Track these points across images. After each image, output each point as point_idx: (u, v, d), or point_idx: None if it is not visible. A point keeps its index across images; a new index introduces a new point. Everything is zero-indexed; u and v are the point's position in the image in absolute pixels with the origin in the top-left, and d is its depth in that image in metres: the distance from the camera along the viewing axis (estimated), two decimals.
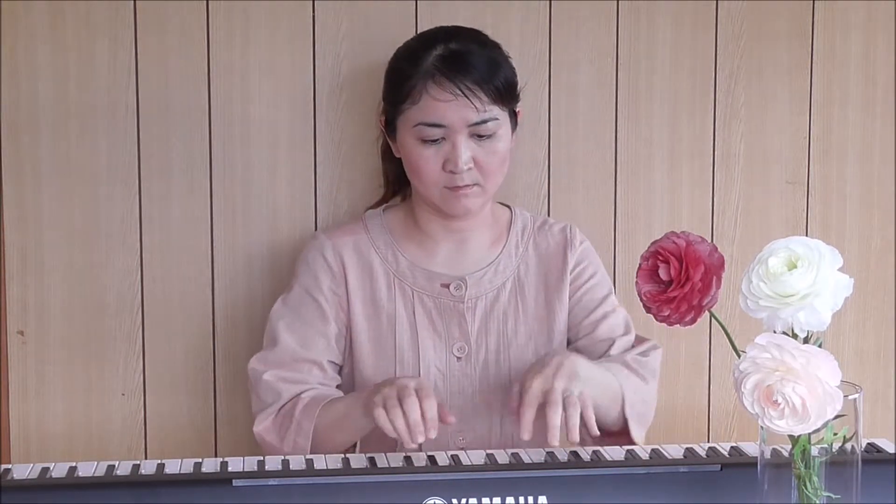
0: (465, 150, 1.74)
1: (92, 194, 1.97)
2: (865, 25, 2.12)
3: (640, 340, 1.87)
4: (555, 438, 1.52)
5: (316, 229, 2.02)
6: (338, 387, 1.84)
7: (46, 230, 1.97)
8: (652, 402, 1.81)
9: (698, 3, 2.08)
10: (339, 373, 1.85)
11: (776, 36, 2.11)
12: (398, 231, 1.87)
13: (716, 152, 2.12)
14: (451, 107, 1.72)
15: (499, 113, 1.76)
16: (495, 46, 1.80)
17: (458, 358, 1.82)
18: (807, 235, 1.25)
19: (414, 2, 2.00)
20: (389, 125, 1.82)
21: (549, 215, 2.06)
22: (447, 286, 1.83)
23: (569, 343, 1.87)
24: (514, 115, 1.81)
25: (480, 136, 1.75)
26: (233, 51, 1.98)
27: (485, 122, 1.74)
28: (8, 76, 1.93)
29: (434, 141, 1.74)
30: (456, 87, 1.72)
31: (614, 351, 1.83)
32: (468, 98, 1.72)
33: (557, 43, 2.05)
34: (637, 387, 1.76)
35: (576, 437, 1.54)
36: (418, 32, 1.94)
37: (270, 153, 2.01)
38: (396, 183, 1.92)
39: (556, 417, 1.52)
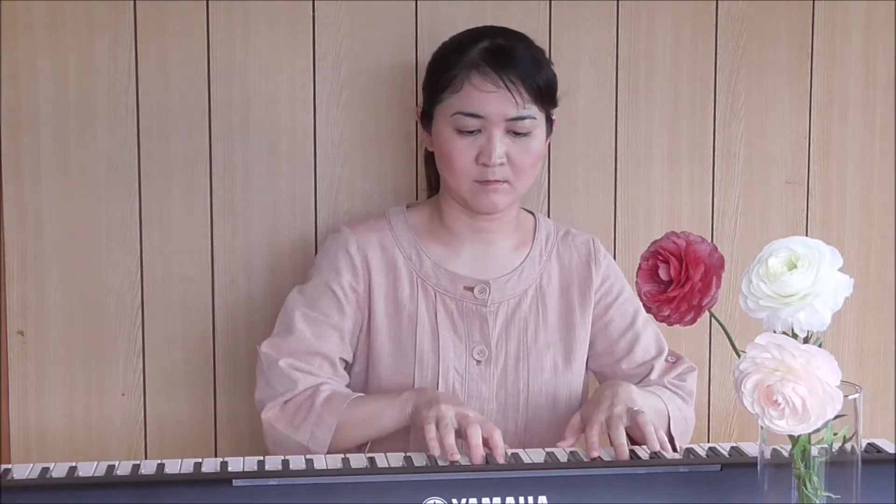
0: (500, 144, 1.74)
1: (92, 194, 1.97)
2: (865, 25, 2.13)
3: (674, 356, 1.90)
4: (624, 454, 1.53)
5: (316, 229, 2.02)
6: (347, 386, 1.83)
7: (46, 230, 1.97)
8: (692, 420, 1.84)
9: (698, 3, 2.08)
10: (349, 371, 1.84)
11: (776, 36, 2.11)
12: (422, 230, 1.86)
13: (716, 152, 2.12)
14: (491, 98, 1.72)
15: (536, 113, 1.76)
16: (540, 50, 1.81)
17: (478, 361, 1.81)
18: (807, 235, 1.25)
19: (414, 2, 2.00)
20: (425, 115, 1.82)
21: (549, 215, 2.06)
22: (471, 289, 1.82)
23: (605, 365, 1.88)
24: (550, 120, 1.81)
25: (516, 134, 1.75)
26: (233, 51, 1.98)
27: (522, 118, 1.74)
28: (8, 76, 1.93)
29: (470, 132, 1.74)
30: (499, 78, 1.72)
31: (654, 375, 1.86)
32: (510, 91, 1.72)
33: (557, 43, 2.05)
34: (680, 406, 1.80)
35: (656, 445, 1.55)
36: (420, 34, 1.94)
37: (270, 153, 2.01)
38: (438, 186, 1.90)
39: (621, 436, 1.55)
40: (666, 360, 1.88)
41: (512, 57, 1.74)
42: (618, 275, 1.91)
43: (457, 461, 1.49)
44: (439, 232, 1.86)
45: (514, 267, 1.85)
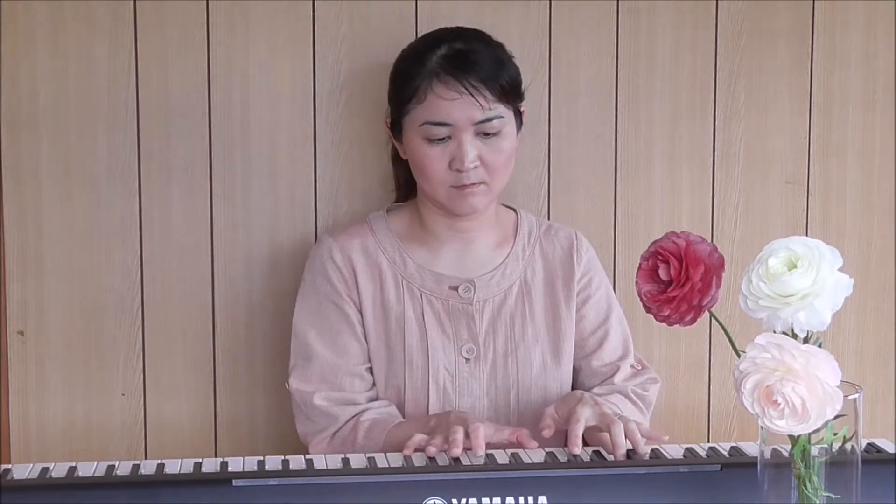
0: (472, 148, 1.74)
1: (92, 194, 1.97)
2: (865, 25, 2.13)
3: (640, 364, 1.90)
4: (621, 455, 1.54)
5: (316, 229, 2.02)
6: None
7: (46, 230, 1.97)
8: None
9: (698, 3, 2.08)
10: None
11: (776, 35, 2.11)
12: (403, 233, 1.87)
13: (716, 152, 2.12)
14: (456, 105, 1.73)
15: (504, 111, 1.76)
16: (499, 46, 1.81)
17: (467, 359, 1.82)
18: (807, 235, 1.25)
19: (414, 2, 2.00)
20: (395, 126, 1.82)
21: (549, 215, 2.06)
22: (455, 288, 1.83)
23: (575, 359, 1.89)
24: (518, 114, 1.81)
25: (486, 135, 1.76)
26: (233, 51, 1.98)
27: (490, 120, 1.74)
28: (8, 76, 1.93)
29: (440, 140, 1.75)
30: (461, 85, 1.72)
31: (618, 378, 1.86)
32: (473, 96, 1.73)
33: (557, 43, 2.05)
34: (637, 419, 1.79)
35: (643, 448, 1.56)
36: (420, 34, 1.94)
37: (270, 153, 2.01)
38: (407, 186, 1.92)
39: (621, 436, 1.55)
40: (631, 367, 1.89)
41: (471, 60, 1.74)
42: (598, 270, 1.92)
43: (408, 454, 1.53)
44: (420, 234, 1.87)
45: (497, 264, 1.86)
